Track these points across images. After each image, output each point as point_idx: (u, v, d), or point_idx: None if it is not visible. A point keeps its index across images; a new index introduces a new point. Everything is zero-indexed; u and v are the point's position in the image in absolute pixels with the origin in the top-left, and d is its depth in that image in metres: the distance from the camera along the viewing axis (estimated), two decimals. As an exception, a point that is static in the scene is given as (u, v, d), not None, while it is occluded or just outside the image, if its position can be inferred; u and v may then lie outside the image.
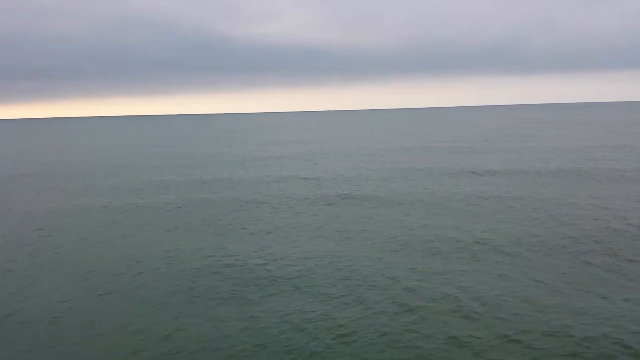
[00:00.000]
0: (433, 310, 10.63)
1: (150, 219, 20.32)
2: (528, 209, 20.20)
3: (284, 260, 14.23)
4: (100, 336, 9.84)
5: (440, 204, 21.68)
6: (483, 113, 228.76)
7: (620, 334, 9.31)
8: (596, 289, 11.61)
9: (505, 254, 14.32)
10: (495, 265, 13.47)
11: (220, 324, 10.25)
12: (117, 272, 13.55)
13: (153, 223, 19.52)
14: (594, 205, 20.52)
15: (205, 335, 9.75)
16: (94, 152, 55.51)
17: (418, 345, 9.15)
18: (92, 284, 12.83)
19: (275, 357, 8.83)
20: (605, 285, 11.79)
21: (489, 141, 55.75)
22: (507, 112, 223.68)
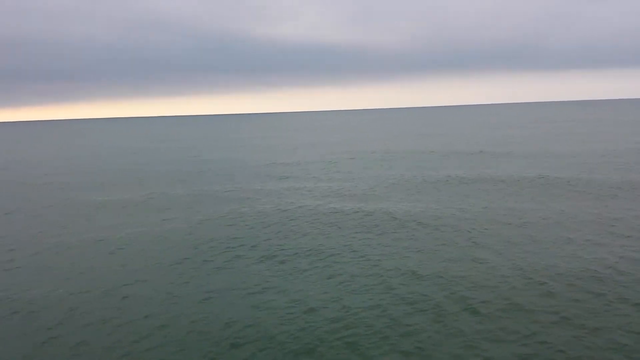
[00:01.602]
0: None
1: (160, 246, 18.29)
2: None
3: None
4: None
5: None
6: (506, 111, 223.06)
7: None
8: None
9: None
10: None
11: None
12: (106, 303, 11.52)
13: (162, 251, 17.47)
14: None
15: None
16: (132, 155, 54.13)
17: None
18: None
19: None
20: None
21: (532, 144, 52.64)
22: (533, 110, 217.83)
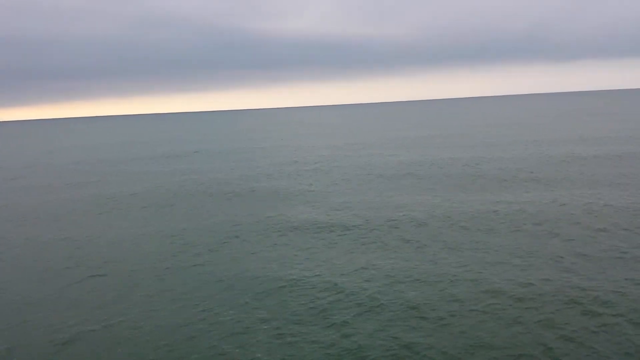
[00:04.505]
0: None
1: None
2: None
3: None
4: None
5: None
6: (526, 102, 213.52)
7: None
8: None
9: None
10: None
11: None
12: None
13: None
14: None
15: None
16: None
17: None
18: None
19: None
20: None
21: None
22: (553, 101, 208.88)
